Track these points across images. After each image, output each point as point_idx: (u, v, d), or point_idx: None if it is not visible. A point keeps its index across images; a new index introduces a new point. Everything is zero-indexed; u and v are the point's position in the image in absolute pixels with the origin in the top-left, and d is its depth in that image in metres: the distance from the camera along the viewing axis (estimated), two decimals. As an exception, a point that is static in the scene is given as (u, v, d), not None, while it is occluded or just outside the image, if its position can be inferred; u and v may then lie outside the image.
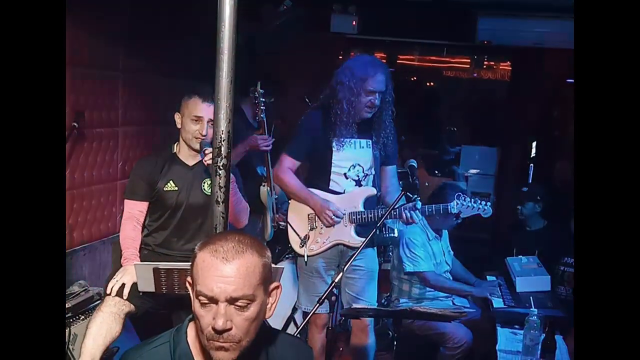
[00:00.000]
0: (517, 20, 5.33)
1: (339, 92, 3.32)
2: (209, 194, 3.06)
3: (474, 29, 5.38)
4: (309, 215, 3.49)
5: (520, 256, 4.15)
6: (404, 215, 3.32)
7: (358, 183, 3.46)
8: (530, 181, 6.34)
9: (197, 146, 3.10)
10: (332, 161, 3.42)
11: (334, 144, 3.37)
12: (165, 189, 3.14)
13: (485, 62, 7.01)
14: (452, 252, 4.28)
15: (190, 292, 1.56)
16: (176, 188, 3.15)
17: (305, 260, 3.48)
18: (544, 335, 3.07)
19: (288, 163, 3.48)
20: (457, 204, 3.43)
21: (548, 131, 6.40)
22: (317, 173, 3.50)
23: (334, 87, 3.36)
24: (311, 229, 3.49)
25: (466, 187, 5.81)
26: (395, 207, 3.20)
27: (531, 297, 3.66)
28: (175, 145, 3.22)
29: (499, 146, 6.45)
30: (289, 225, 3.57)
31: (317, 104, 3.49)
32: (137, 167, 3.26)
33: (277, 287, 1.61)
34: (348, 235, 3.43)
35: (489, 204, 3.47)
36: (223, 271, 1.46)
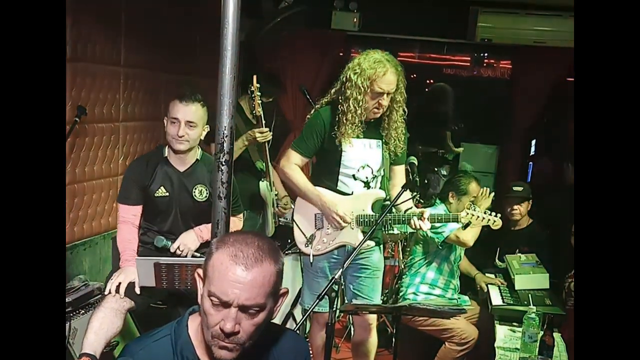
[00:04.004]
0: (517, 18, 5.33)
1: (347, 90, 3.24)
2: (200, 200, 3.19)
3: (474, 27, 5.38)
4: (315, 214, 3.42)
5: (519, 254, 4.16)
6: (412, 222, 3.27)
7: (367, 185, 3.39)
8: (529, 180, 6.35)
9: (177, 147, 3.09)
10: (341, 161, 3.34)
11: (343, 143, 3.29)
12: (156, 194, 3.15)
13: (486, 60, 7.01)
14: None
15: (199, 285, 1.56)
16: (167, 194, 3.15)
17: (311, 260, 3.41)
18: (543, 332, 3.08)
19: (296, 159, 3.39)
20: (467, 214, 3.37)
21: (548, 129, 6.41)
22: (324, 172, 3.42)
23: (344, 82, 3.27)
24: (318, 229, 3.43)
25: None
26: (397, 204, 3.19)
27: (530, 295, 3.68)
28: (166, 148, 3.20)
29: (499, 144, 6.46)
30: (294, 224, 3.51)
31: (327, 99, 3.40)
32: (128, 171, 3.27)
33: (284, 293, 1.62)
34: (355, 237, 3.35)
35: (499, 215, 3.41)
36: (240, 278, 1.46)
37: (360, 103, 3.21)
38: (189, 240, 3.14)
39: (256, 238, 1.54)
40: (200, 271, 1.57)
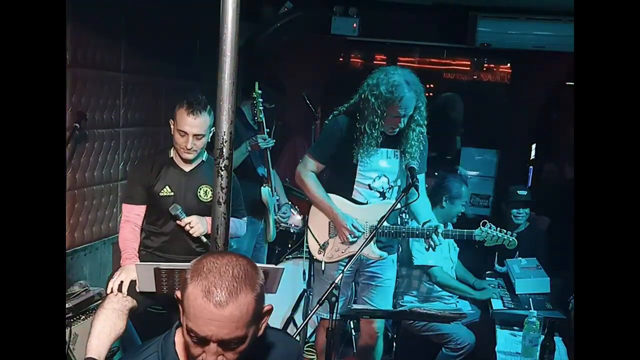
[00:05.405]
0: (516, 23, 5.35)
1: (364, 110, 3.21)
2: (205, 200, 3.17)
3: (474, 32, 5.40)
4: (330, 222, 3.40)
5: (520, 258, 4.15)
6: (428, 241, 3.27)
7: (382, 195, 3.36)
8: (530, 184, 6.35)
9: (185, 156, 3.13)
10: (357, 171, 3.32)
11: (359, 155, 3.27)
12: (161, 194, 3.15)
13: (485, 65, 7.02)
14: (457, 249, 4.27)
15: (180, 306, 1.51)
16: (172, 193, 3.16)
17: (323, 268, 3.39)
18: (543, 336, 3.08)
19: (311, 166, 3.38)
20: (482, 232, 3.34)
21: (548, 134, 6.41)
22: (340, 181, 3.40)
23: (362, 98, 3.23)
24: (331, 237, 3.41)
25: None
26: (397, 208, 3.18)
27: (530, 299, 3.68)
28: (172, 149, 3.22)
29: (499, 148, 6.47)
30: (308, 230, 3.50)
31: (343, 109, 3.38)
32: (133, 171, 3.32)
33: (268, 311, 1.54)
34: (367, 247, 3.28)
35: (515, 234, 3.39)
36: (215, 316, 1.40)
37: (377, 126, 3.19)
38: (200, 222, 3.11)
39: (231, 265, 1.45)
40: (179, 294, 1.51)
